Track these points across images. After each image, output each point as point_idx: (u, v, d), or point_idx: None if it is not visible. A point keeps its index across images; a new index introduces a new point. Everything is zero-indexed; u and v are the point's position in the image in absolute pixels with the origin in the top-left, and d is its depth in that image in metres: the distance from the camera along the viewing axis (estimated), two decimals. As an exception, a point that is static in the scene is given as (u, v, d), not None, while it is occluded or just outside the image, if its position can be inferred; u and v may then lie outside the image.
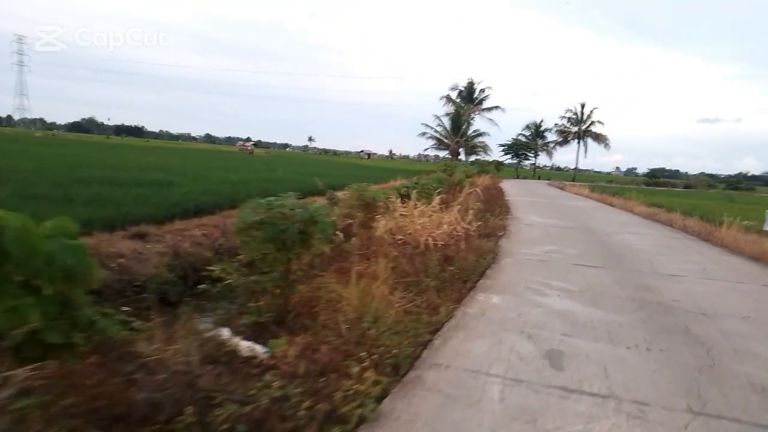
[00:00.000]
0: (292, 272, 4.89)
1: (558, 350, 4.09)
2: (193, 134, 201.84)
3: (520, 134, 71.51)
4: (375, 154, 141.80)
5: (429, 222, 9.10)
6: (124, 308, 5.47)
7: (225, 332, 4.53)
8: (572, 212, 17.83)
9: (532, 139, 71.18)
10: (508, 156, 72.77)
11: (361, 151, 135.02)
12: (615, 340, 4.41)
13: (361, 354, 3.36)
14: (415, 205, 9.75)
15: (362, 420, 2.80)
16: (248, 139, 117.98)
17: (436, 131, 57.37)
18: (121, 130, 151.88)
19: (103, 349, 3.23)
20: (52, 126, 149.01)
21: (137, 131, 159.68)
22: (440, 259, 7.11)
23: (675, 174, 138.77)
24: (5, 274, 2.21)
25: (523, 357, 3.89)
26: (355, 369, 3.21)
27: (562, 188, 39.04)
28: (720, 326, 5.05)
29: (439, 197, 10.71)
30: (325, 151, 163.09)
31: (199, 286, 5.61)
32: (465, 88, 59.89)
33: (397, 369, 3.45)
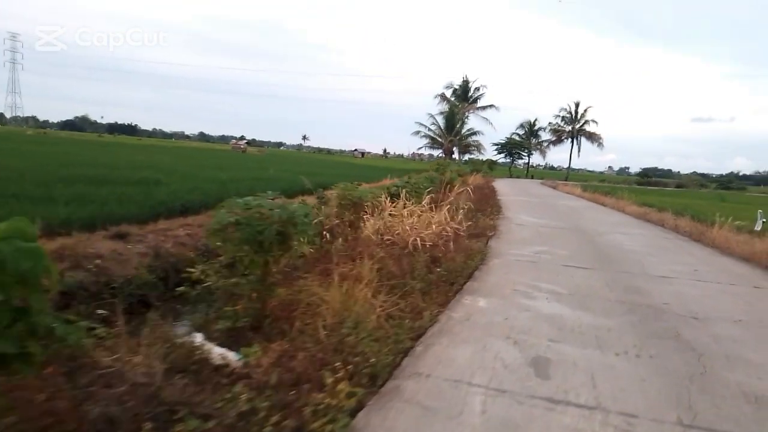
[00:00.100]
0: (271, 275, 4.71)
1: (544, 357, 3.93)
2: (186, 133, 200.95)
3: (514, 133, 71.65)
4: (369, 153, 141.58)
5: (418, 222, 8.95)
6: (100, 311, 5.27)
7: (198, 338, 4.35)
8: (564, 212, 17.73)
9: (526, 138, 71.25)
10: (502, 155, 72.87)
11: (355, 150, 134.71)
12: (603, 346, 4.26)
13: (336, 364, 3.18)
14: (404, 204, 9.60)
15: (333, 437, 2.62)
16: (242, 138, 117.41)
17: (430, 130, 57.29)
18: (114, 128, 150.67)
19: (62, 359, 3.05)
20: (45, 124, 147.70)
21: (130, 129, 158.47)
22: (427, 261, 6.95)
23: (667, 173, 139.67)
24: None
25: (507, 365, 3.73)
26: (330, 380, 3.04)
27: (554, 187, 39.03)
28: (711, 330, 4.92)
29: (428, 197, 10.57)
30: (319, 150, 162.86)
31: (177, 289, 5.43)
32: (460, 86, 59.78)
33: (375, 379, 3.28)
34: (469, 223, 10.27)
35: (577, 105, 66.14)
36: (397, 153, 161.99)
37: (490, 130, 70.23)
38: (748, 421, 3.11)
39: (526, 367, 3.72)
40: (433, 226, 8.85)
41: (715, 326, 5.07)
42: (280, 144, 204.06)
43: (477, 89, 59.47)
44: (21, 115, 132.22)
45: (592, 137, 65.51)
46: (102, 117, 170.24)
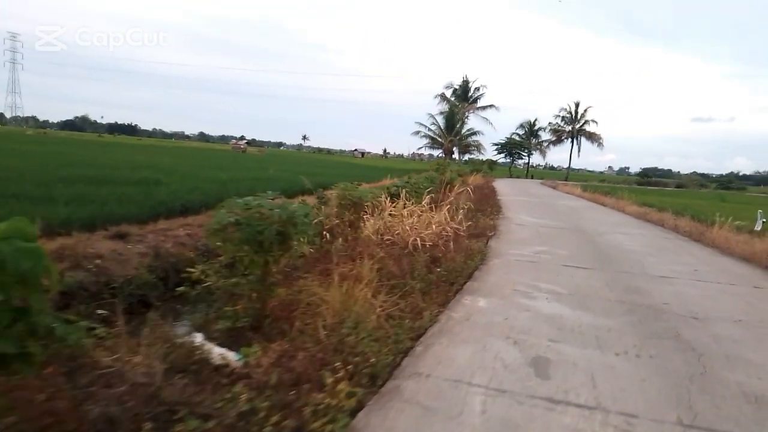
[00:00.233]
0: (271, 275, 4.71)
1: (544, 357, 3.93)
2: (186, 133, 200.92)
3: (514, 133, 71.63)
4: (369, 153, 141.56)
5: (418, 222, 8.95)
6: (100, 311, 5.28)
7: (198, 338, 4.35)
8: (564, 212, 17.73)
9: (526, 138, 71.24)
10: (502, 155, 72.86)
11: (355, 150, 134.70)
12: (603, 346, 4.26)
13: (336, 364, 3.18)
14: (404, 204, 9.60)
15: (333, 436, 2.62)
16: (242, 138, 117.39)
17: (430, 130, 57.25)
18: (114, 128, 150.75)
19: (62, 359, 3.05)
20: (45, 124, 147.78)
21: (130, 129, 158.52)
22: (427, 261, 6.95)
23: (667, 173, 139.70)
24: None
25: (507, 365, 3.73)
26: (330, 380, 3.03)
27: (554, 187, 39.03)
28: (711, 330, 4.92)
29: (428, 197, 10.57)
30: (319, 150, 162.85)
31: (177, 289, 5.43)
32: (460, 86, 59.75)
33: (375, 379, 3.28)
34: (469, 223, 10.27)
35: (577, 105, 66.18)
36: (397, 153, 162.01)
37: (490, 130, 70.33)
38: (749, 422, 3.11)
39: (526, 367, 3.72)
40: (433, 226, 8.85)
41: (716, 326, 5.07)
42: (280, 144, 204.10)
43: (477, 89, 59.52)
44: (21, 115, 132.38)
45: (592, 137, 65.51)
46: (102, 117, 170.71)
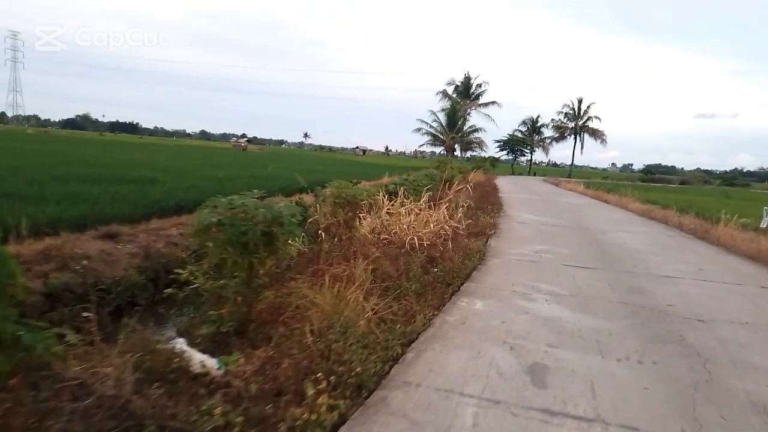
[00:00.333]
0: (258, 277, 4.52)
1: (542, 364, 3.73)
2: (188, 131, 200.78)
3: (517, 130, 71.19)
4: (371, 150, 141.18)
5: (416, 221, 8.76)
6: (85, 314, 5.10)
7: (180, 344, 4.18)
8: (566, 209, 17.49)
9: (529, 135, 70.82)
10: (504, 152, 72.44)
11: (356, 148, 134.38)
12: (604, 352, 4.06)
13: (318, 375, 2.99)
14: (402, 202, 9.41)
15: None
16: (243, 136, 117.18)
17: (431, 127, 56.87)
18: (116, 126, 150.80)
19: (29, 369, 2.87)
20: (46, 123, 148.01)
21: (132, 128, 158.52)
22: (424, 261, 6.76)
23: (671, 170, 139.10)
24: None
25: (502, 373, 3.53)
26: (311, 392, 2.85)
27: (557, 185, 38.77)
28: (717, 334, 4.71)
29: (427, 195, 10.37)
30: (321, 148, 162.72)
31: (165, 290, 5.26)
32: (461, 83, 59.27)
33: (360, 389, 3.09)
34: (469, 221, 10.08)
35: (579, 101, 65.64)
36: (399, 150, 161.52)
37: (492, 127, 70.01)
38: (758, 435, 2.91)
39: (522, 375, 3.52)
40: (431, 225, 8.66)
41: (721, 329, 4.86)
42: (281, 142, 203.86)
43: (479, 86, 59.02)
44: (22, 114, 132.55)
45: (595, 134, 65.00)
46: (103, 115, 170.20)
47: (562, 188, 33.97)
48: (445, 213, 9.60)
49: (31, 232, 7.18)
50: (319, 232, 7.27)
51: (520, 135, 70.94)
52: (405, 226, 8.35)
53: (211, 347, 4.10)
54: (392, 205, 9.20)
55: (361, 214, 8.08)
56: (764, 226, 12.23)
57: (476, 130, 57.71)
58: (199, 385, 3.30)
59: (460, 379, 3.39)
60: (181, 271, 4.88)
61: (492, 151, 65.73)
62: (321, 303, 4.46)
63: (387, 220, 8.67)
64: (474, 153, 58.91)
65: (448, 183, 13.97)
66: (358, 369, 3.18)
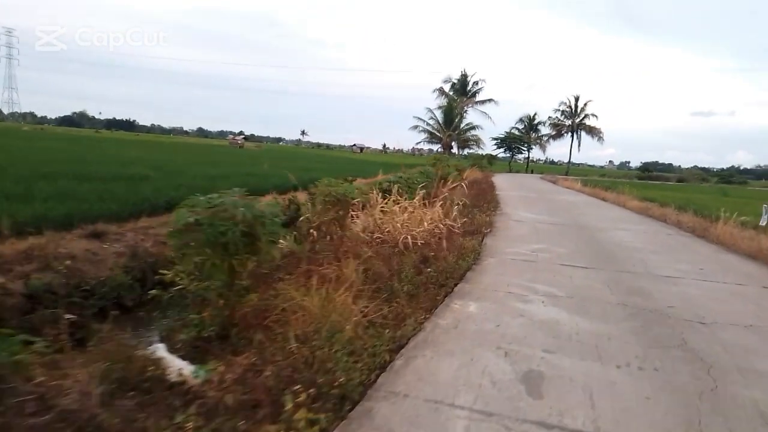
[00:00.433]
0: (241, 279, 4.32)
1: (538, 371, 3.54)
2: (185, 128, 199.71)
3: (514, 128, 70.95)
4: (368, 148, 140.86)
5: (410, 219, 8.57)
6: (69, 316, 4.89)
7: (160, 350, 3.99)
8: (563, 207, 17.31)
9: (526, 133, 70.62)
10: (501, 149, 72.22)
11: (353, 145, 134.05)
12: (603, 357, 3.88)
13: (296, 387, 2.79)
14: (396, 200, 9.21)
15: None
16: (240, 133, 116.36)
17: (428, 125, 56.64)
18: (112, 124, 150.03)
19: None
20: (43, 120, 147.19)
21: (128, 125, 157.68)
22: (417, 260, 6.57)
23: (668, 168, 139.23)
24: None
25: (496, 381, 3.34)
26: (289, 405, 2.65)
27: (554, 182, 38.63)
28: (720, 337, 4.53)
29: (422, 192, 10.18)
30: (318, 145, 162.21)
31: (149, 292, 5.06)
32: (458, 80, 58.99)
33: (343, 401, 2.89)
34: (465, 219, 9.88)
35: (576, 99, 65.46)
36: (396, 148, 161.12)
37: (489, 124, 69.79)
38: (768, 450, 2.73)
39: (516, 383, 3.33)
40: (426, 224, 8.47)
41: (724, 332, 4.68)
42: (279, 139, 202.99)
43: (476, 83, 58.76)
44: (18, 111, 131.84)
45: (593, 131, 64.86)
46: (100, 113, 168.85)
47: (560, 186, 33.83)
48: (440, 211, 9.41)
49: (14, 231, 6.97)
50: (311, 230, 7.08)
51: (517, 132, 70.72)
52: (399, 225, 8.16)
53: (191, 353, 3.91)
54: (386, 204, 9.00)
55: (354, 213, 7.89)
56: (763, 224, 12.08)
57: (473, 128, 57.52)
58: (174, 395, 3.11)
59: (451, 388, 3.20)
60: (166, 271, 4.69)
61: (489, 148, 65.51)
62: (308, 306, 4.27)
63: (380, 219, 8.48)
64: (471, 150, 58.74)
65: (443, 180, 13.77)
66: (342, 379, 2.98)
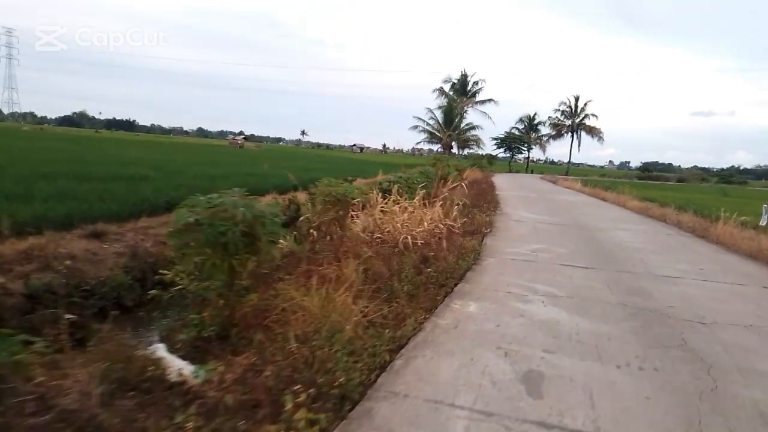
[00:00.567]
0: (242, 279, 4.32)
1: (538, 371, 3.54)
2: (185, 128, 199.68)
3: (514, 128, 70.96)
4: (368, 148, 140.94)
5: (410, 219, 8.57)
6: (68, 316, 4.89)
7: (160, 350, 3.98)
8: (563, 207, 17.32)
9: (526, 133, 70.63)
10: (501, 149, 72.22)
11: (354, 145, 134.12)
12: (603, 357, 3.88)
13: (296, 387, 2.79)
14: (396, 200, 9.22)
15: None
16: (240, 133, 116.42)
17: (428, 125, 56.63)
18: (113, 124, 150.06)
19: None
20: (43, 120, 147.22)
21: (128, 125, 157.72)
22: (417, 260, 6.57)
23: (668, 168, 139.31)
24: None
25: (496, 381, 3.34)
26: (289, 405, 2.65)
27: (554, 182, 38.64)
28: (720, 337, 4.53)
29: (422, 192, 10.18)
30: (318, 145, 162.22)
31: (149, 292, 5.06)
32: (458, 80, 58.97)
33: (344, 401, 2.89)
34: (465, 219, 9.88)
35: (576, 99, 65.48)
36: (396, 148, 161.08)
37: (489, 124, 69.80)
38: (768, 450, 2.73)
39: (516, 384, 3.33)
40: (426, 224, 8.47)
41: (725, 332, 4.68)
42: (279, 139, 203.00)
43: (476, 83, 58.73)
44: (18, 111, 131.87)
45: (593, 131, 64.88)
46: (100, 113, 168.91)
47: (560, 186, 33.84)
48: (440, 211, 9.42)
49: (14, 231, 6.97)
50: (311, 230, 7.08)
51: (517, 132, 70.74)
52: (399, 225, 8.16)
53: (191, 353, 3.91)
54: (386, 204, 9.01)
55: (354, 213, 7.89)
56: (763, 224, 12.08)
57: (473, 128, 57.49)
58: (174, 395, 3.11)
59: (451, 389, 3.20)
60: (166, 271, 4.69)
61: (489, 148, 65.51)
62: (308, 306, 4.27)
63: (380, 219, 8.48)
64: (471, 150, 58.73)
65: (443, 180, 13.77)
66: (342, 379, 2.98)
